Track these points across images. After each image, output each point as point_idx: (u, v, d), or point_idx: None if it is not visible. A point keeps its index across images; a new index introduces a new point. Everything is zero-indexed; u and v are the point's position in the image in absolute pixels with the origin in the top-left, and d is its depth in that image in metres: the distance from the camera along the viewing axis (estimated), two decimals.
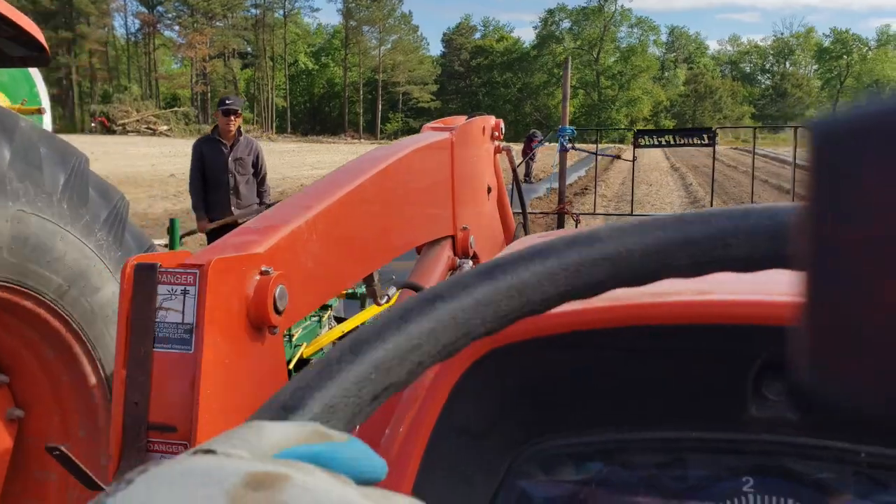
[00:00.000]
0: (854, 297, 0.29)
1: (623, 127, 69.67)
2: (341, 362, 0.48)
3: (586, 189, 19.03)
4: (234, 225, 6.10)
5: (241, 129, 6.34)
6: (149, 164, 23.87)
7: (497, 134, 2.73)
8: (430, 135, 2.16)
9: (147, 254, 1.27)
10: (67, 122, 67.95)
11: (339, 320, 4.61)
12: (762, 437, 0.76)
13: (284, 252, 1.22)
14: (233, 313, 1.11)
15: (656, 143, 7.52)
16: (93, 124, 62.22)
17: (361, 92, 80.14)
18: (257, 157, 6.33)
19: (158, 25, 76.21)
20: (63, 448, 1.20)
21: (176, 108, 70.41)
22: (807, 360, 0.30)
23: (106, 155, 28.36)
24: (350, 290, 4.64)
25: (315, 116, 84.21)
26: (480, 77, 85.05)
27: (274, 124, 76.28)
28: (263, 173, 6.40)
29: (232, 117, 6.12)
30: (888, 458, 0.72)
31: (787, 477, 0.76)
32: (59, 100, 71.18)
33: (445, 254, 2.14)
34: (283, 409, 0.46)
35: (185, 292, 1.09)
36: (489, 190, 2.68)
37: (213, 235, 6.19)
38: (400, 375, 0.50)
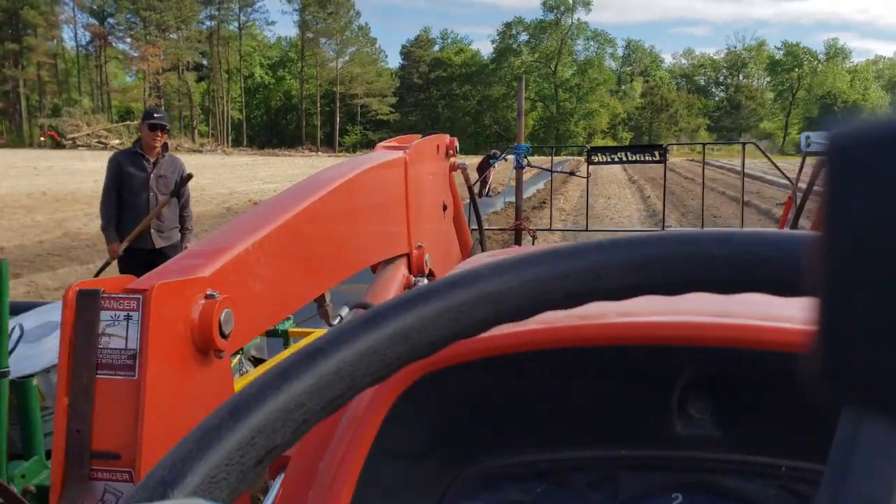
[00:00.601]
0: (869, 322, 0.29)
1: (580, 143, 70.09)
2: (221, 429, 0.47)
3: (544, 203, 18.67)
4: (150, 250, 5.50)
5: (167, 147, 5.78)
6: (92, 180, 22.90)
7: (452, 152, 2.73)
8: (384, 154, 2.18)
9: (90, 279, 1.19)
10: (15, 136, 66.14)
11: (258, 361, 4.04)
12: (689, 453, 0.78)
13: (230, 275, 1.22)
14: (177, 338, 1.11)
15: (609, 160, 7.44)
16: (41, 138, 60.65)
17: (319, 104, 79.36)
18: (181, 178, 5.74)
19: (110, 38, 74.62)
20: (2, 482, 1.15)
21: (129, 122, 68.96)
22: (825, 385, 0.30)
23: (50, 171, 27.35)
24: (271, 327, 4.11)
25: (272, 129, 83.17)
26: (440, 89, 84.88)
27: (230, 137, 75.10)
28: (187, 196, 5.82)
29: (159, 132, 5.54)
30: (808, 472, 0.75)
31: (714, 492, 0.78)
32: (6, 113, 69.32)
33: (401, 272, 2.14)
34: (162, 485, 0.44)
35: (128, 318, 1.08)
36: (444, 207, 2.68)
37: (126, 261, 5.56)
38: (285, 436, 0.49)
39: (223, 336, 1.15)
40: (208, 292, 1.15)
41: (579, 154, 39.41)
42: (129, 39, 75.57)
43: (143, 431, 1.05)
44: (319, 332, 4.04)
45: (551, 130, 78.11)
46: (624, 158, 7.37)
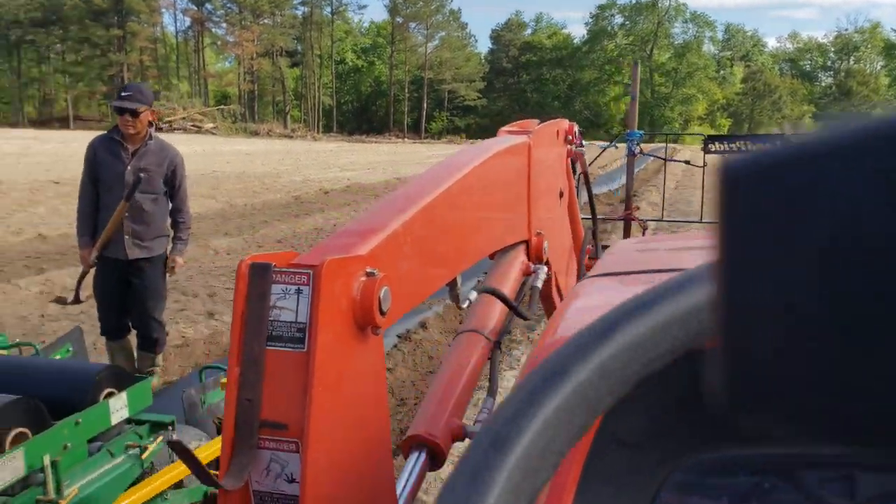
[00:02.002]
0: (762, 329, 0.32)
1: (675, 129, 67.42)
2: (490, 469, 0.44)
3: (635, 195, 17.47)
4: (124, 261, 4.61)
5: (153, 132, 4.72)
6: None
7: (571, 138, 2.72)
8: (508, 138, 2.15)
9: (260, 254, 1.16)
10: (113, 120, 68.50)
11: (177, 446, 2.89)
12: None
13: (383, 254, 1.26)
14: (341, 314, 1.13)
15: (727, 149, 7.15)
16: None
17: (407, 90, 79.12)
18: (173, 173, 4.75)
19: (207, 23, 76.38)
20: (181, 442, 1.11)
21: (222, 106, 70.53)
22: (722, 387, 0.33)
23: None
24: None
25: (362, 115, 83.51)
26: (529, 74, 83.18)
27: (320, 123, 75.76)
28: (182, 196, 4.84)
29: (129, 117, 4.50)
30: None
31: None
32: (111, 97, 71.93)
33: (520, 259, 2.13)
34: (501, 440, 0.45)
35: (298, 292, 1.11)
36: (561, 194, 2.63)
37: (100, 271, 4.72)
38: (546, 474, 0.47)
39: (382, 313, 1.17)
40: (368, 270, 1.18)
41: (674, 142, 38.28)
42: (224, 25, 77.25)
43: (311, 403, 1.07)
44: None
45: (645, 116, 75.09)
46: (744, 148, 7.06)
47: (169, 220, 4.90)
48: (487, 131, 74.42)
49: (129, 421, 2.66)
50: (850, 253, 0.30)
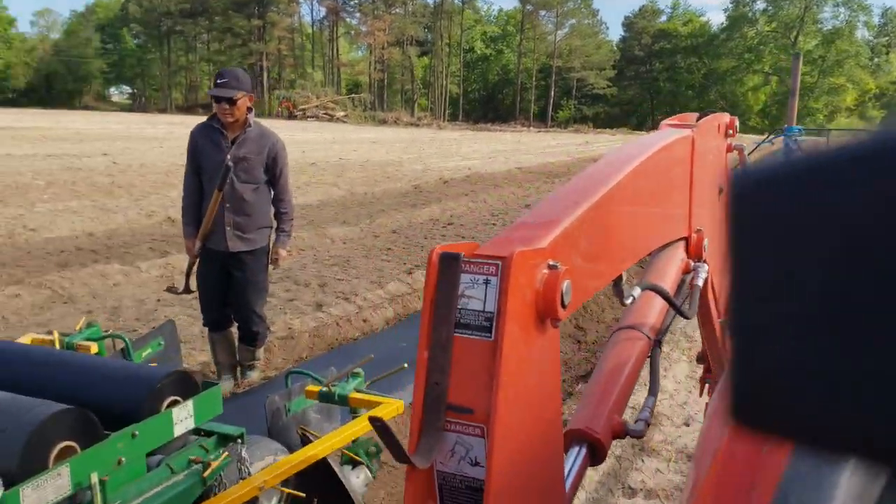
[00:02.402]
0: (767, 340, 0.32)
1: (819, 121, 63.23)
2: None
3: None
4: (226, 253, 4.51)
5: (252, 119, 4.54)
6: (300, 151, 23.62)
7: (731, 132, 2.68)
8: (673, 132, 2.14)
9: (447, 244, 1.19)
10: (257, 107, 71.46)
11: (377, 422, 2.76)
12: None
13: (561, 248, 1.27)
14: (527, 305, 1.16)
15: None
16: (279, 109, 65.02)
17: (535, 78, 78.18)
18: (274, 160, 4.55)
19: (341, 13, 78.33)
20: (384, 420, 1.11)
21: (353, 95, 72.18)
22: (736, 396, 0.34)
23: None
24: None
25: (488, 104, 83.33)
26: (662, 62, 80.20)
27: (446, 112, 76.15)
28: (283, 183, 4.64)
29: (226, 105, 4.35)
30: None
31: None
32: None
33: (679, 255, 2.10)
34: None
35: (486, 282, 1.14)
36: (720, 191, 2.53)
37: (204, 262, 4.64)
38: None
39: (563, 306, 1.19)
40: (550, 262, 1.20)
41: (818, 134, 35.90)
42: (358, 14, 78.96)
43: (498, 391, 1.10)
44: (387, 400, 3.05)
45: (787, 107, 71.04)
46: None
47: (272, 211, 4.77)
48: (616, 120, 72.47)
49: (197, 432, 2.49)
50: (857, 266, 0.30)
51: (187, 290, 4.93)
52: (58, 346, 3.38)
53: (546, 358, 1.22)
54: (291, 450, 2.95)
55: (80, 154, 20.73)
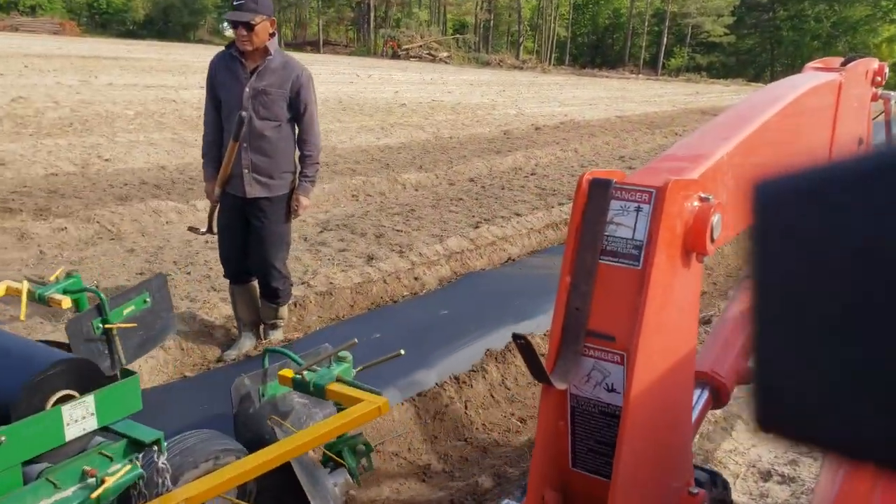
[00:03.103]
0: (790, 345, 0.33)
1: None
2: None
3: None
4: (243, 198, 4.04)
5: (273, 48, 3.93)
6: (392, 91, 23.10)
7: (879, 80, 2.58)
8: (819, 75, 2.06)
9: (597, 170, 1.20)
10: (362, 45, 71.20)
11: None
12: None
13: (710, 181, 1.25)
14: (677, 236, 1.16)
15: None
16: (384, 49, 64.67)
17: (647, 23, 74.50)
18: (297, 94, 3.96)
19: None
20: (527, 338, 1.12)
21: (458, 35, 70.86)
22: (758, 401, 0.35)
23: (366, 79, 28.38)
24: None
25: (596, 49, 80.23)
26: (787, 10, 74.78)
27: (552, 56, 73.79)
28: (307, 121, 4.05)
29: (243, 31, 3.77)
30: None
31: None
32: (357, 23, 74.97)
33: None
34: None
35: (638, 209, 1.14)
36: (860, 142, 2.46)
37: (223, 206, 4.19)
38: None
39: (712, 240, 1.17)
40: (702, 195, 1.18)
41: None
42: None
43: (643, 320, 1.09)
44: (370, 396, 2.50)
45: None
46: None
47: (297, 154, 4.24)
48: (732, 71, 68.53)
49: (116, 433, 2.00)
50: (881, 275, 0.30)
51: (210, 231, 4.50)
52: (25, 298, 2.98)
53: (688, 291, 1.18)
54: (259, 445, 2.44)
55: (178, 86, 20.86)
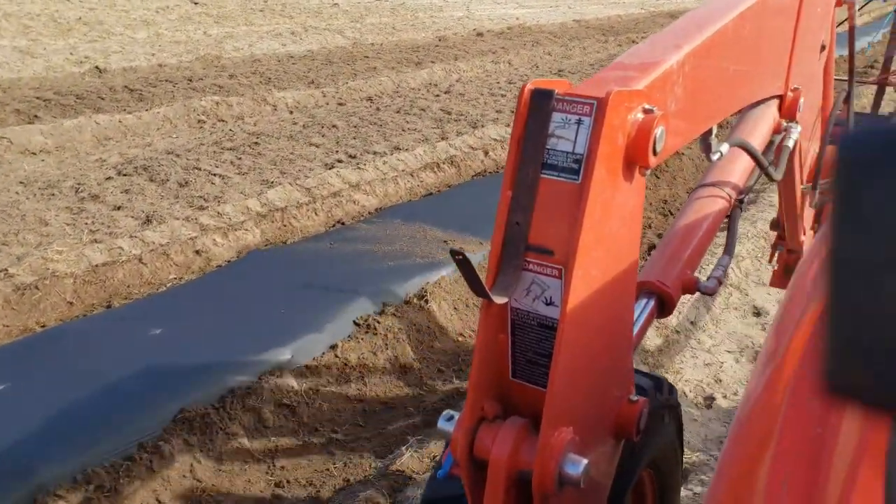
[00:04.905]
0: (868, 308, 0.31)
1: None
2: None
3: (875, 63, 12.98)
4: None
5: None
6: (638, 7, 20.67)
7: None
8: None
9: (540, 80, 1.16)
10: None
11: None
12: None
13: (658, 91, 1.24)
14: (618, 149, 1.13)
15: None
16: None
17: None
18: None
19: None
20: (464, 253, 1.08)
21: None
22: (830, 363, 0.33)
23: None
24: None
25: None
26: None
27: None
28: None
29: None
30: None
31: None
32: None
33: (771, 114, 2.05)
34: None
35: (579, 122, 1.10)
36: (823, 48, 2.47)
37: None
38: None
39: (654, 153, 1.16)
40: (646, 106, 1.16)
41: None
42: None
43: (580, 234, 1.08)
44: None
45: None
46: None
47: None
48: None
49: None
50: None
51: None
52: None
53: (630, 205, 1.19)
54: None
55: None
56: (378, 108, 8.41)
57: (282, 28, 13.77)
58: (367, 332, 3.41)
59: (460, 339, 3.64)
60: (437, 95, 9.36)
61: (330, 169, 5.85)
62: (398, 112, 8.25)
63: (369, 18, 16.21)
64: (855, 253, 0.30)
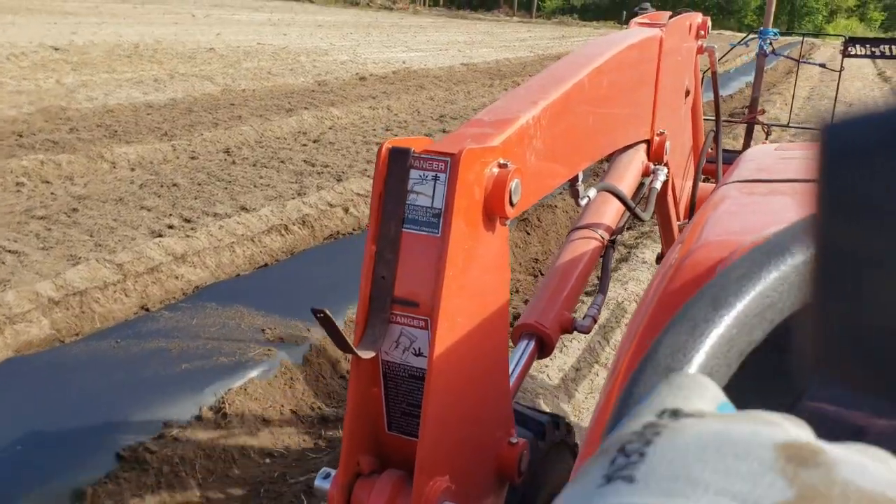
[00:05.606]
0: (854, 305, 0.30)
1: (818, 22, 59.24)
2: (707, 321, 0.46)
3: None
4: None
5: None
6: (214, 34, 19.80)
7: (703, 33, 2.62)
8: (641, 31, 2.08)
9: (398, 138, 1.18)
10: None
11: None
12: None
13: (515, 146, 1.28)
14: (475, 202, 1.17)
15: (870, 52, 6.14)
16: None
17: None
18: None
19: None
20: (326, 311, 1.11)
21: None
22: (814, 357, 0.33)
23: (203, 18, 24.84)
24: None
25: None
26: None
27: None
28: None
29: None
30: None
31: None
32: None
33: (639, 158, 2.08)
34: (667, 370, 0.45)
35: (435, 178, 1.14)
36: (687, 93, 2.56)
37: None
38: (759, 334, 0.47)
39: (511, 204, 1.20)
40: (500, 161, 1.20)
41: (815, 37, 32.79)
42: None
43: (442, 285, 1.11)
44: None
45: (784, 5, 65.68)
46: (889, 53, 6.23)
47: None
48: (609, 13, 67.49)
49: None
50: None
51: None
52: None
53: (493, 254, 1.22)
54: None
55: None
56: (234, 161, 7.67)
57: (146, 75, 12.85)
58: (134, 469, 2.65)
59: (268, 460, 2.93)
60: (305, 145, 8.69)
61: (157, 237, 5.07)
62: (254, 165, 7.53)
63: (246, 63, 15.46)
64: (850, 246, 0.29)
